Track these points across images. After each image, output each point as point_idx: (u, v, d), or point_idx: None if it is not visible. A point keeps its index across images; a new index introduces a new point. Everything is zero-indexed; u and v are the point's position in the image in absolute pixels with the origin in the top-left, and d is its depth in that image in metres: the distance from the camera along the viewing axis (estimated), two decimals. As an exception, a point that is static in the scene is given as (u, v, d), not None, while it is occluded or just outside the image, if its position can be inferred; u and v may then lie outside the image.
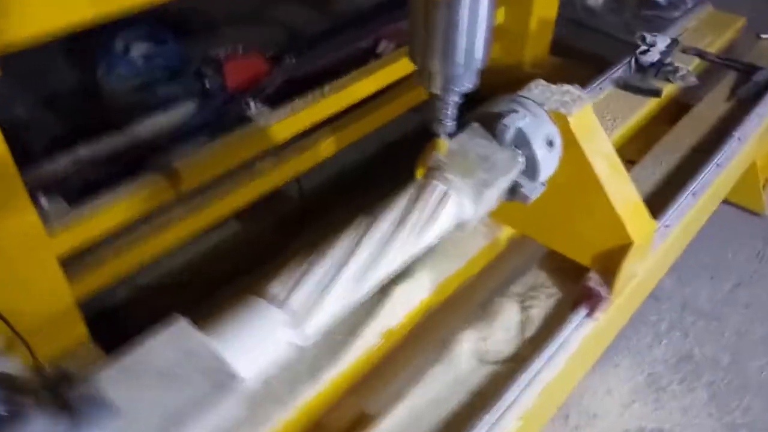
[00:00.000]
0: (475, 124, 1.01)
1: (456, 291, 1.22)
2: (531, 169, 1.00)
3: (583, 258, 1.19)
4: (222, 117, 1.57)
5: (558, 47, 2.22)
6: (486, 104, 1.05)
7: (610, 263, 1.15)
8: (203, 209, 1.53)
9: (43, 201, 1.27)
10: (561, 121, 1.05)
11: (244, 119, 1.57)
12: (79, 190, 1.37)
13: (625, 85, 1.72)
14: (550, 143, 1.01)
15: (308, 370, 1.05)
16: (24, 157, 1.36)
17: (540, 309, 1.20)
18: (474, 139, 0.99)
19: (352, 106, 1.70)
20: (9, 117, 1.68)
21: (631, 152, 1.59)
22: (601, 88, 1.70)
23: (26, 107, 1.85)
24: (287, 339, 0.75)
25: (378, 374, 1.09)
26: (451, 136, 0.96)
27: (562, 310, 1.19)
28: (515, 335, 1.16)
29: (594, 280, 1.15)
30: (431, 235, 0.91)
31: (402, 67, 1.76)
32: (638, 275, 1.24)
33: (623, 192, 1.11)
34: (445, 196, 0.93)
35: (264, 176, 1.62)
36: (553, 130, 1.02)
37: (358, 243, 0.84)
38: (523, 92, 1.08)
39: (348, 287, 0.81)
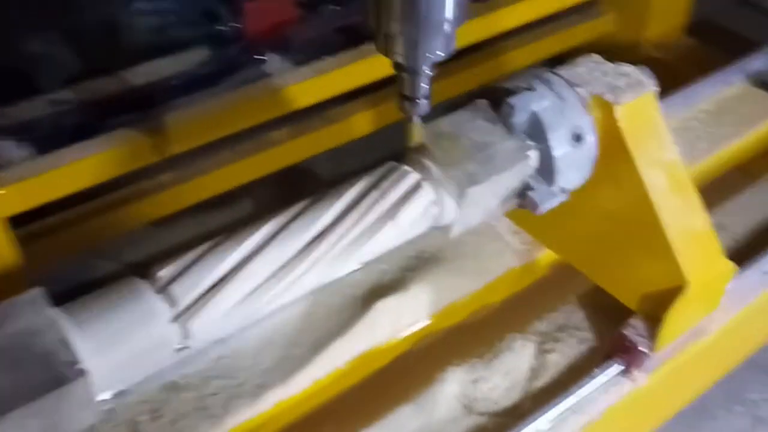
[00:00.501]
0: (482, 102, 0.97)
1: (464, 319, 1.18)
2: (545, 170, 0.95)
3: (629, 299, 1.11)
4: (234, 69, 1.60)
5: (701, 27, 2.09)
6: (510, 79, 1.01)
7: (659, 309, 1.06)
8: (197, 178, 1.57)
9: (12, 146, 1.34)
10: (604, 111, 0.99)
11: (261, 75, 1.59)
12: (54, 138, 1.44)
13: (764, 82, 1.59)
14: (578, 138, 0.95)
15: (252, 387, 1.06)
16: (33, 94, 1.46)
17: (562, 355, 1.13)
18: (474, 121, 0.95)
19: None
20: (22, 51, 1.80)
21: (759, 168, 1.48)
22: (728, 83, 1.58)
23: (41, 42, 1.97)
24: (161, 332, 0.75)
25: (335, 406, 1.07)
26: (425, 119, 0.92)
27: (590, 361, 1.12)
28: (519, 383, 1.10)
29: (634, 328, 1.07)
30: (389, 236, 0.88)
31: (476, 28, 1.71)
32: (709, 332, 1.14)
33: (684, 217, 1.03)
34: (416, 186, 0.89)
35: (277, 147, 1.64)
36: (584, 122, 0.96)
37: (283, 231, 0.83)
38: (562, 68, 1.02)
39: (256, 283, 0.80)
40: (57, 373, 0.70)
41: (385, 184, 0.89)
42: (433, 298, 1.14)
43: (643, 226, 1.02)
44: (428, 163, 0.90)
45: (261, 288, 0.79)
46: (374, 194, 0.87)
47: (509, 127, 0.94)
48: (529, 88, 0.94)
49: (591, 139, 0.96)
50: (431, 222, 0.91)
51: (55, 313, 0.72)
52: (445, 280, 1.17)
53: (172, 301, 0.75)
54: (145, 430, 0.99)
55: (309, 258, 0.82)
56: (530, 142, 0.94)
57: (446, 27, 0.82)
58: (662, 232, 1.01)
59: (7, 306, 0.71)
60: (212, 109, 1.54)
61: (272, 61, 1.63)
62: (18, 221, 1.35)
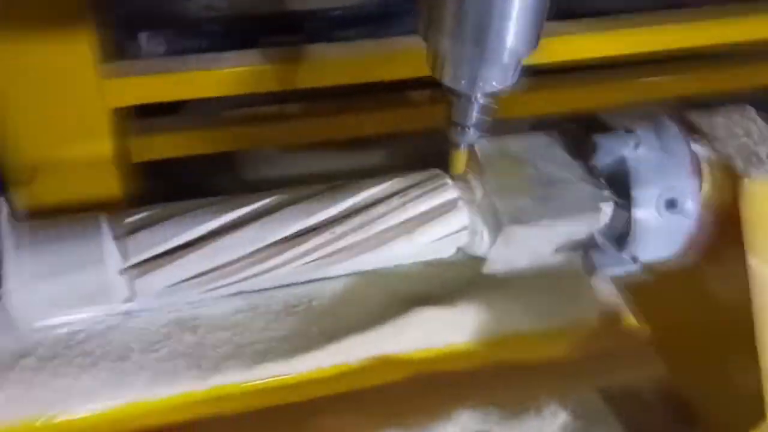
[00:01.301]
0: (569, 129, 0.80)
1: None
2: (618, 230, 0.78)
3: (698, 404, 0.91)
4: (401, 16, 1.50)
5: None
6: (617, 111, 0.83)
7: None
8: (332, 116, 1.50)
9: (143, 39, 1.35)
10: (726, 180, 0.79)
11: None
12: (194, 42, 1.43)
13: None
14: (672, 204, 0.76)
15: (252, 352, 0.99)
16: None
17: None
18: (550, 150, 0.79)
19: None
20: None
21: None
22: None
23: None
24: (104, 280, 0.69)
25: (327, 404, 0.99)
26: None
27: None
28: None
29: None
30: (399, 252, 0.76)
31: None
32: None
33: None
34: (450, 206, 0.76)
35: (417, 108, 1.53)
36: (686, 186, 0.76)
37: (273, 213, 0.73)
38: (693, 113, 0.82)
39: (216, 264, 0.72)
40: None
41: (414, 192, 0.76)
42: (478, 322, 1.00)
43: (736, 336, 0.82)
44: (475, 183, 0.76)
45: (220, 271, 0.70)
46: (398, 200, 0.75)
47: (590, 169, 0.77)
48: (629, 129, 0.76)
49: (691, 209, 0.76)
50: (458, 249, 0.77)
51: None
52: (501, 308, 1.02)
53: (124, 253, 0.69)
54: (134, 359, 0.96)
55: (288, 252, 0.72)
56: (608, 193, 0.76)
57: (505, 57, 0.67)
58: (755, 352, 0.80)
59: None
60: (363, 52, 1.44)
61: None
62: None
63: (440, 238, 0.77)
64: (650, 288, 0.82)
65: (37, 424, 0.91)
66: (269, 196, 0.75)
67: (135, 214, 0.73)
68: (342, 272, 0.78)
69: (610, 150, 0.77)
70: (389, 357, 1.00)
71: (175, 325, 1.00)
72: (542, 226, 0.75)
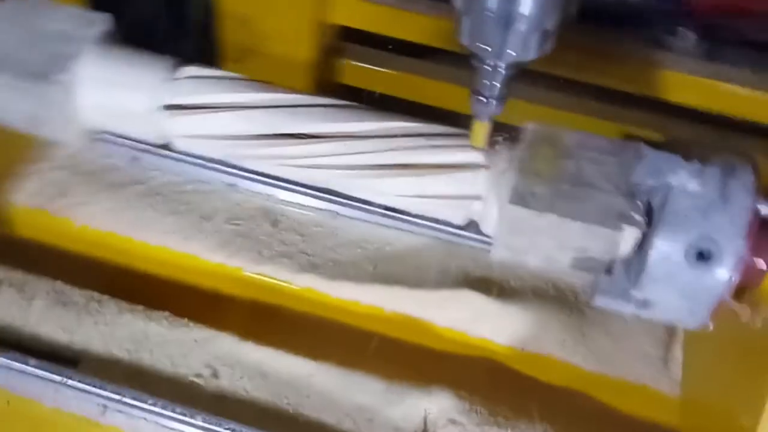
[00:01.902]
0: (636, 145, 0.72)
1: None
2: (634, 263, 0.69)
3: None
4: (638, 23, 1.41)
5: None
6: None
7: None
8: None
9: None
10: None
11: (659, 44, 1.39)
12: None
13: None
14: (702, 256, 0.66)
15: (304, 259, 1.03)
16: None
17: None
18: (603, 155, 0.72)
19: None
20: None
21: None
22: None
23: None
24: (148, 107, 0.77)
25: (349, 337, 1.00)
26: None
27: None
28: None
29: None
30: (401, 189, 0.75)
31: None
32: None
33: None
34: (471, 168, 0.74)
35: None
36: (730, 246, 0.65)
37: (304, 107, 0.76)
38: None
39: (242, 132, 0.76)
40: (50, 71, 0.78)
41: (441, 141, 0.74)
42: (524, 333, 0.95)
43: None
44: (504, 155, 0.72)
45: (242, 141, 0.75)
46: (423, 140, 0.74)
47: (633, 188, 0.69)
48: (687, 157, 0.66)
49: (724, 271, 0.65)
50: (465, 218, 0.74)
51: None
52: (552, 329, 0.95)
53: (171, 91, 0.77)
54: (216, 222, 1.05)
55: (301, 148, 0.74)
56: (639, 217, 0.68)
57: (523, 25, 0.63)
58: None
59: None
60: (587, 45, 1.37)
61: (681, 38, 1.38)
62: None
63: (449, 196, 0.73)
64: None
65: (122, 237, 1.04)
66: (313, 97, 0.78)
67: (193, 66, 0.80)
68: (346, 189, 0.78)
69: (657, 170, 0.66)
70: (422, 322, 0.99)
71: (263, 213, 1.08)
72: (548, 219, 0.68)
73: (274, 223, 1.06)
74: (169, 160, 1.07)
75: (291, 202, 1.07)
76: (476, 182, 0.72)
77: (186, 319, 0.96)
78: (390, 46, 1.54)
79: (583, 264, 0.71)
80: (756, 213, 0.65)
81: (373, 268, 1.02)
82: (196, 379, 0.91)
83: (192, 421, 0.84)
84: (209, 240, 1.03)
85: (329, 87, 1.53)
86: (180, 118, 0.77)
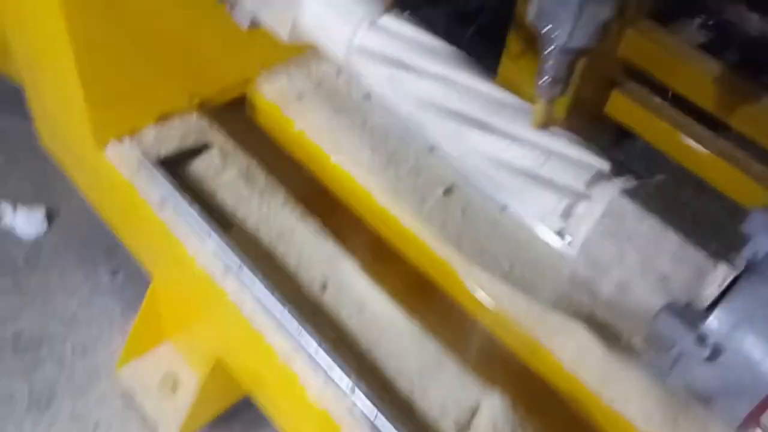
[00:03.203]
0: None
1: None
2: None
3: None
4: None
5: None
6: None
7: None
8: None
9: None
10: None
11: None
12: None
13: None
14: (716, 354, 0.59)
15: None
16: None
17: None
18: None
19: None
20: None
21: None
22: None
23: None
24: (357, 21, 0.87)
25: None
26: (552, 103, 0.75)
27: None
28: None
29: None
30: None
31: None
32: None
33: None
34: (600, 172, 0.73)
35: None
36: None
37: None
38: None
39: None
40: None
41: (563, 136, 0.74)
42: (617, 389, 0.90)
43: None
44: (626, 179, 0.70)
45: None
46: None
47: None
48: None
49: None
50: (565, 212, 0.73)
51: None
52: (646, 399, 0.89)
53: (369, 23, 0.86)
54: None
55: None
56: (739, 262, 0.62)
57: (576, 10, 0.66)
58: None
59: None
60: None
61: None
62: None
63: (557, 183, 0.71)
64: None
65: (323, 152, 1.16)
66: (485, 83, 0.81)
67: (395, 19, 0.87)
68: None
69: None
70: (527, 332, 0.97)
71: (442, 181, 1.13)
72: (649, 223, 0.64)
73: (447, 192, 1.10)
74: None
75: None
76: (592, 182, 0.71)
77: (330, 234, 1.05)
78: (670, 95, 1.49)
79: (660, 293, 0.67)
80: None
81: (510, 267, 1.02)
82: (306, 284, 1.00)
83: (280, 310, 0.93)
84: (386, 183, 1.10)
85: (588, 111, 1.52)
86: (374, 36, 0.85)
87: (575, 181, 0.72)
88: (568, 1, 0.66)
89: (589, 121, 1.58)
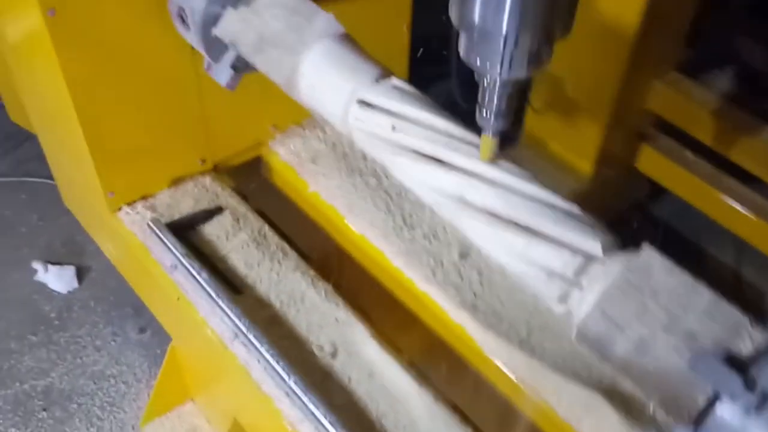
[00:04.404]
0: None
1: None
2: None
3: None
4: None
5: None
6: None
7: None
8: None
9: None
10: None
11: None
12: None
13: None
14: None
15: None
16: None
17: None
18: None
19: None
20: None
21: None
22: None
23: None
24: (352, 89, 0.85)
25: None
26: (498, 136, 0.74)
27: None
28: None
29: None
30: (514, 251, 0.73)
31: None
32: None
33: None
34: (590, 257, 0.70)
35: None
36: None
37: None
38: None
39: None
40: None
41: (561, 216, 0.71)
42: None
43: None
44: (620, 259, 0.67)
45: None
46: (547, 210, 0.71)
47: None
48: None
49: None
50: (560, 298, 0.70)
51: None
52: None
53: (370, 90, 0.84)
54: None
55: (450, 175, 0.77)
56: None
57: (500, 43, 0.64)
58: None
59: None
60: None
61: None
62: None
63: (550, 269, 0.67)
64: None
65: (337, 214, 1.14)
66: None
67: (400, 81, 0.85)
68: (465, 227, 0.77)
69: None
70: (543, 402, 0.93)
71: (459, 242, 1.10)
72: (680, 278, 0.60)
73: (463, 255, 1.07)
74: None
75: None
76: (583, 272, 0.67)
77: (341, 299, 1.03)
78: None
79: (684, 353, 0.62)
80: None
81: (527, 334, 0.98)
82: (316, 350, 0.98)
83: (286, 380, 0.91)
84: (401, 245, 1.08)
85: (618, 164, 1.48)
86: (364, 113, 0.83)
87: (583, 244, 0.69)
88: (495, 35, 0.64)
89: (620, 174, 1.54)
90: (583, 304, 0.67)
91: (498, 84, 0.70)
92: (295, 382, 0.91)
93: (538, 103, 1.48)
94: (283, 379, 0.92)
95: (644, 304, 0.65)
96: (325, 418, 0.87)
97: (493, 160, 0.75)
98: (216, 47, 0.94)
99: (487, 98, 0.71)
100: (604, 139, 1.44)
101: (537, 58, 0.66)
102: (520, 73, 0.67)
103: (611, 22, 1.32)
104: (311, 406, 0.88)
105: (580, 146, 1.49)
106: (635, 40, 1.30)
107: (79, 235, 1.51)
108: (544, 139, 1.54)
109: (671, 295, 0.64)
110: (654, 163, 1.46)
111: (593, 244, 0.68)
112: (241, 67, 0.94)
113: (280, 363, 0.93)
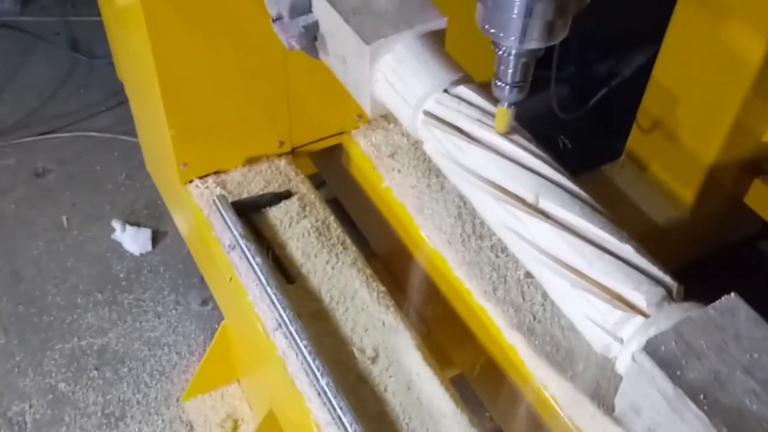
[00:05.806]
0: None
1: None
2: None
3: None
4: None
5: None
6: None
7: None
8: None
9: None
10: None
11: None
12: None
13: None
14: None
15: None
16: None
17: None
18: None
19: None
20: None
21: None
22: None
23: None
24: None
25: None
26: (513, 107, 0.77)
27: None
28: None
29: None
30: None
31: None
32: None
33: None
34: (637, 310, 0.66)
35: None
36: None
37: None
38: None
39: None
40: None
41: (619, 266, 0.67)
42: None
43: None
44: (669, 313, 0.63)
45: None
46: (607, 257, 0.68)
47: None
48: None
49: None
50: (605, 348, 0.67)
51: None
52: None
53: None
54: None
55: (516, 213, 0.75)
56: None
57: (513, 12, 0.66)
58: None
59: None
60: None
61: None
62: None
63: (595, 322, 0.64)
64: None
65: (406, 213, 1.13)
66: (552, 170, 0.76)
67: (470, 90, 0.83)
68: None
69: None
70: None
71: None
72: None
73: (529, 275, 1.04)
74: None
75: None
76: (623, 325, 0.64)
77: (392, 303, 1.02)
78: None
79: (763, 398, 0.59)
80: None
81: (583, 368, 0.94)
82: (357, 351, 0.97)
83: (319, 380, 0.90)
84: (465, 254, 1.06)
85: (724, 197, 1.40)
86: (432, 129, 0.82)
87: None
88: (509, 4, 0.65)
89: (724, 208, 1.45)
90: (623, 357, 0.64)
91: (513, 54, 0.71)
92: (328, 384, 0.91)
93: (644, 121, 1.42)
94: (317, 378, 0.92)
95: (725, 343, 0.64)
96: (351, 427, 0.86)
97: (509, 133, 0.77)
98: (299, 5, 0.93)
99: (502, 68, 0.74)
100: (712, 167, 1.37)
101: (551, 30, 0.68)
102: (535, 43, 0.69)
103: (738, 50, 1.26)
104: (339, 412, 0.88)
105: (684, 172, 1.42)
106: (760, 70, 1.24)
107: (161, 199, 1.55)
108: (645, 159, 1.48)
109: (754, 342, 0.63)
110: (765, 199, 1.37)
111: (637, 296, 0.65)
112: (312, 29, 0.93)
113: (316, 362, 0.93)
